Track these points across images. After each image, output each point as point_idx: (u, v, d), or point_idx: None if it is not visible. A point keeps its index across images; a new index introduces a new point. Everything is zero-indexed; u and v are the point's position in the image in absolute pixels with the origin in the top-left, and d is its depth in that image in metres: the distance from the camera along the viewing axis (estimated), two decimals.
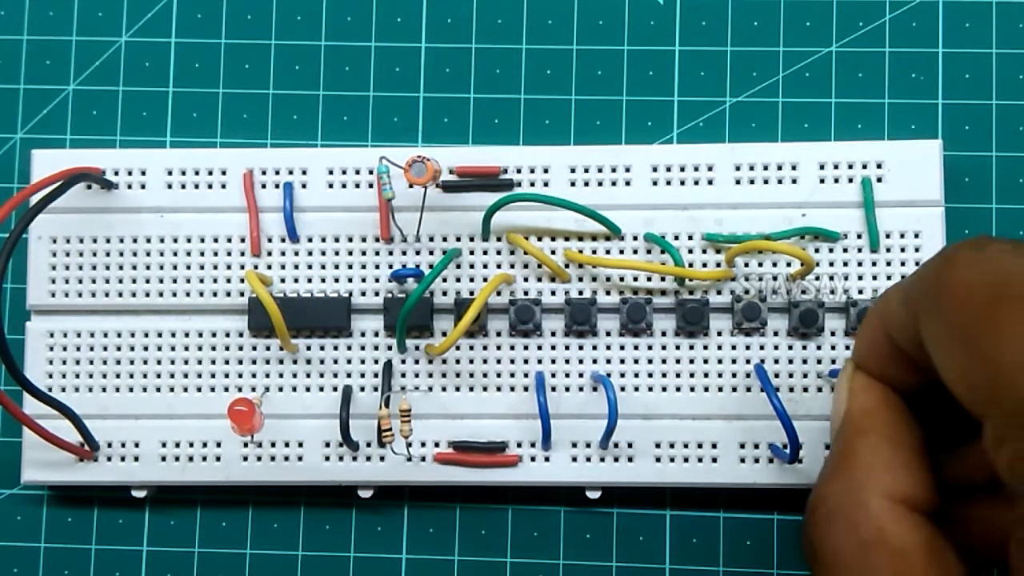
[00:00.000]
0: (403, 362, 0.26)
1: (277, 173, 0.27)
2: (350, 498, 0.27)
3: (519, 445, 0.26)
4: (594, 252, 0.26)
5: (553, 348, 0.26)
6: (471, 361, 0.26)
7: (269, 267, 0.27)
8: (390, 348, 0.26)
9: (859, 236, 0.26)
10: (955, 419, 0.17)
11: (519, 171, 0.27)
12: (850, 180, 0.26)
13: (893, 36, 0.28)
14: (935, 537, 0.16)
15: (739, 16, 0.28)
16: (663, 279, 0.26)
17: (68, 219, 0.27)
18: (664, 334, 0.26)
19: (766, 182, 0.26)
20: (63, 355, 0.27)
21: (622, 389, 0.26)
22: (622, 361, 0.26)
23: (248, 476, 0.26)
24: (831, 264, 0.26)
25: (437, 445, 0.26)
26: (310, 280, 0.27)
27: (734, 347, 0.26)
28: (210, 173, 0.27)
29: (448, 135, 0.28)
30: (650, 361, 0.26)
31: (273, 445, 0.26)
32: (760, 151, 0.26)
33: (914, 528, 0.16)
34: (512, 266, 0.26)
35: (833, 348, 0.26)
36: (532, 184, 0.27)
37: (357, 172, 0.27)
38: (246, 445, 0.26)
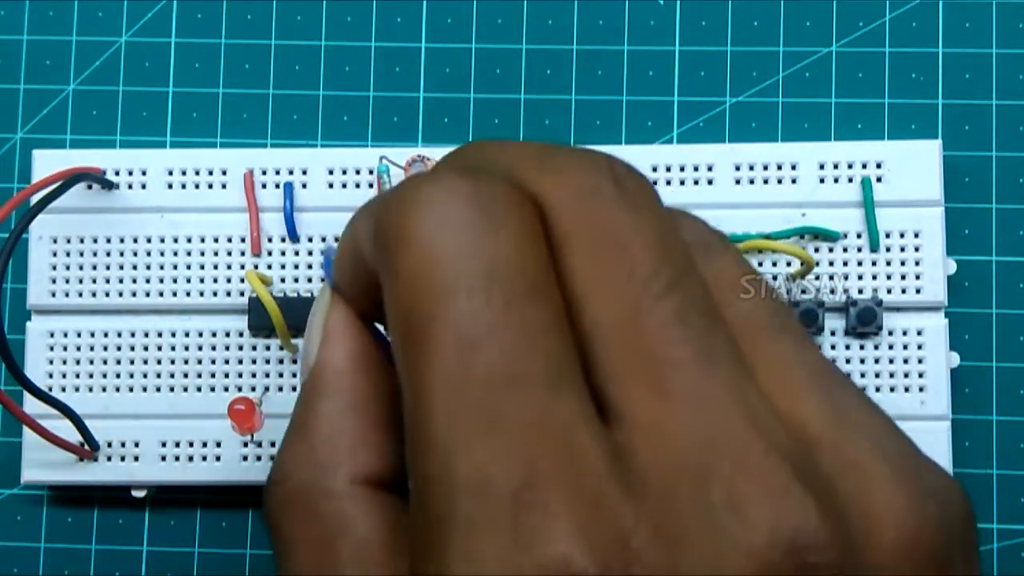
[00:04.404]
0: None
1: (277, 173, 0.27)
2: None
3: None
4: None
5: None
6: None
7: (269, 267, 0.27)
8: None
9: (859, 236, 0.26)
10: None
11: None
12: (850, 180, 0.26)
13: (893, 36, 0.28)
14: (402, 518, 0.14)
15: (739, 16, 0.28)
16: None
17: (68, 219, 0.27)
18: None
19: (766, 182, 0.26)
20: (63, 355, 0.27)
21: None
22: None
23: (248, 476, 0.26)
24: (831, 264, 0.26)
25: None
26: (310, 280, 0.27)
27: None
28: (210, 173, 0.27)
29: (448, 135, 0.28)
30: None
31: (273, 445, 0.26)
32: (760, 151, 0.26)
33: (380, 513, 0.14)
34: None
35: (833, 348, 0.26)
36: None
37: (357, 172, 0.27)
38: (246, 445, 0.26)
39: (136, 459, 0.26)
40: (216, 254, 0.27)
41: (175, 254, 0.27)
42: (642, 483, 0.11)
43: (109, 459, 0.26)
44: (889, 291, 0.26)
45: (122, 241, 0.27)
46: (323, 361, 0.15)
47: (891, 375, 0.26)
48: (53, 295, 0.27)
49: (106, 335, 0.27)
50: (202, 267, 0.27)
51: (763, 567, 0.11)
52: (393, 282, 0.13)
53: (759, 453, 0.12)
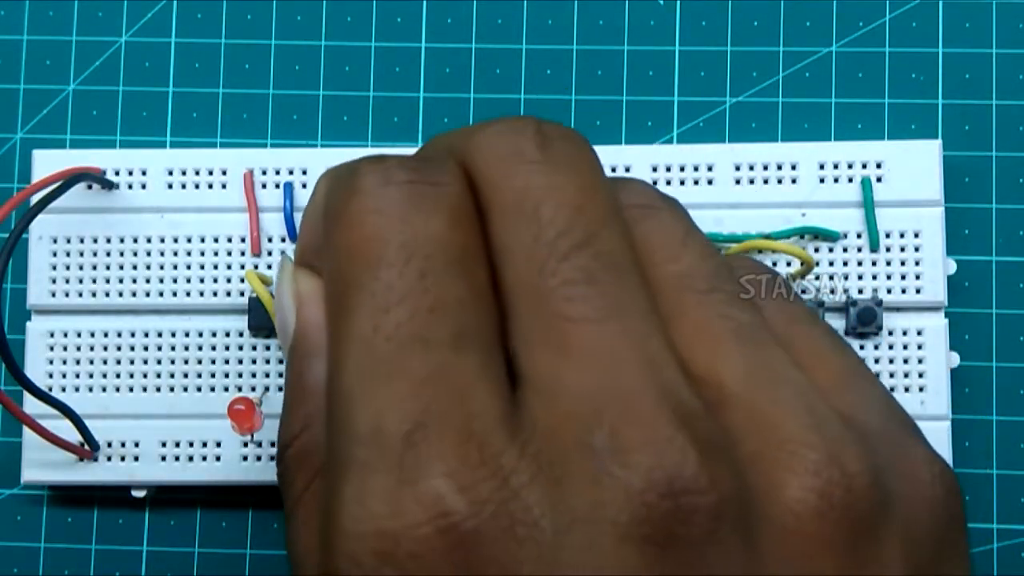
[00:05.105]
0: None
1: (277, 173, 0.27)
2: None
3: None
4: None
5: None
6: None
7: (269, 267, 0.27)
8: None
9: (859, 236, 0.26)
10: None
11: None
12: (850, 180, 0.26)
13: (893, 36, 0.28)
14: None
15: (739, 16, 0.28)
16: None
17: (68, 219, 0.27)
18: None
19: (766, 182, 0.26)
20: (63, 355, 0.27)
21: None
22: None
23: (248, 476, 0.26)
24: (831, 264, 0.26)
25: None
26: None
27: None
28: (210, 173, 0.27)
29: None
30: None
31: (273, 445, 0.26)
32: (760, 151, 0.26)
33: None
34: None
35: None
36: None
37: None
38: (246, 445, 0.26)
39: (136, 459, 0.26)
40: (216, 254, 0.27)
41: (175, 254, 0.27)
42: (530, 430, 0.12)
43: (109, 459, 0.26)
44: (889, 291, 0.26)
45: (122, 241, 0.27)
46: (304, 323, 0.15)
47: (891, 375, 0.26)
48: (53, 295, 0.27)
49: (106, 335, 0.27)
50: (202, 267, 0.27)
51: (639, 507, 0.11)
52: (330, 253, 0.14)
53: (647, 403, 0.12)
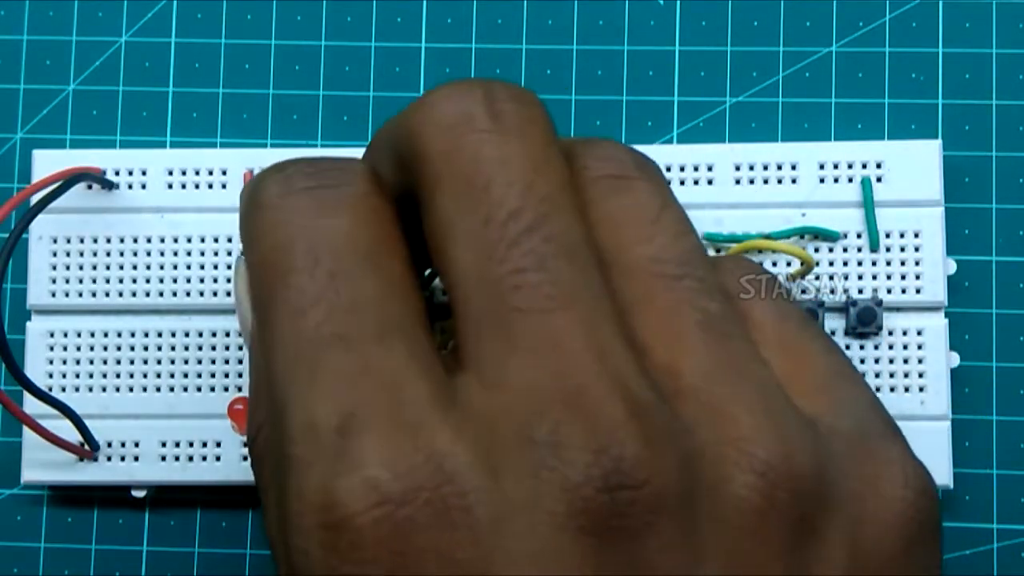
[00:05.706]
0: None
1: None
2: None
3: None
4: None
5: None
6: None
7: None
8: None
9: (859, 236, 0.26)
10: None
11: None
12: (850, 180, 0.26)
13: (893, 36, 0.28)
14: None
15: (739, 16, 0.28)
16: None
17: (68, 219, 0.27)
18: None
19: (766, 182, 0.26)
20: (63, 355, 0.27)
21: None
22: None
23: (248, 476, 0.26)
24: (831, 264, 0.26)
25: None
26: None
27: None
28: (210, 173, 0.27)
29: None
30: None
31: None
32: (760, 151, 0.26)
33: None
34: None
35: None
36: None
37: None
38: (246, 445, 0.26)
39: (136, 459, 0.26)
40: (216, 254, 0.27)
41: (175, 254, 0.27)
42: (468, 417, 0.12)
43: (109, 459, 0.26)
44: (889, 291, 0.26)
45: (122, 241, 0.27)
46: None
47: (891, 375, 0.26)
48: (53, 295, 0.27)
49: (106, 335, 0.27)
50: (202, 267, 0.27)
51: (577, 501, 0.11)
52: (249, 265, 0.14)
53: (594, 396, 0.12)
